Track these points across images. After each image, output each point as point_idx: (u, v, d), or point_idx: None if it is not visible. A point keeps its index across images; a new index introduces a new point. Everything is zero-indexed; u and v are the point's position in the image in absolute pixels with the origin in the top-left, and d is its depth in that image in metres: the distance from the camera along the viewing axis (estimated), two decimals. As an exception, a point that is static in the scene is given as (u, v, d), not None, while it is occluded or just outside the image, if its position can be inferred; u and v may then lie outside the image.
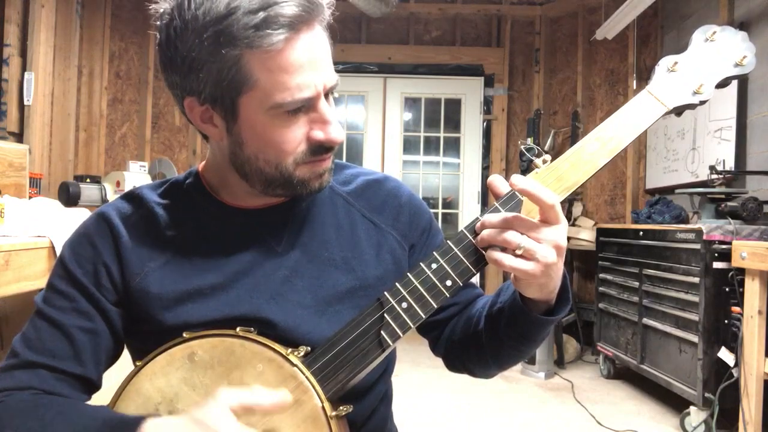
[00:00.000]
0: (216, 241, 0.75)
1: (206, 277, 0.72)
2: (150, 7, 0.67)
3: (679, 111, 0.70)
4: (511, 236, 0.62)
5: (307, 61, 0.64)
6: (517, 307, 0.69)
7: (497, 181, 0.67)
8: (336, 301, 0.75)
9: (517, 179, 0.63)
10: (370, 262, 0.79)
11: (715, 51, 0.70)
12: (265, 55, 0.62)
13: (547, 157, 0.69)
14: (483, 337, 0.75)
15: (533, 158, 0.75)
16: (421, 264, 0.67)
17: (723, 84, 0.70)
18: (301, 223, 0.78)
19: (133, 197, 0.78)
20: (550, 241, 0.62)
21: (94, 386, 0.73)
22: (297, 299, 0.74)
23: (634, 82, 3.86)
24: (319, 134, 0.68)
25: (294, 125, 0.67)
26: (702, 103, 0.69)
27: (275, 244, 0.76)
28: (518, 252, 0.61)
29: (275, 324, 0.71)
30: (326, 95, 0.68)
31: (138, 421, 0.61)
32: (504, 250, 0.63)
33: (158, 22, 0.67)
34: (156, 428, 0.60)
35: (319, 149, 0.69)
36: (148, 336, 0.71)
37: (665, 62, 0.70)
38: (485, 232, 0.64)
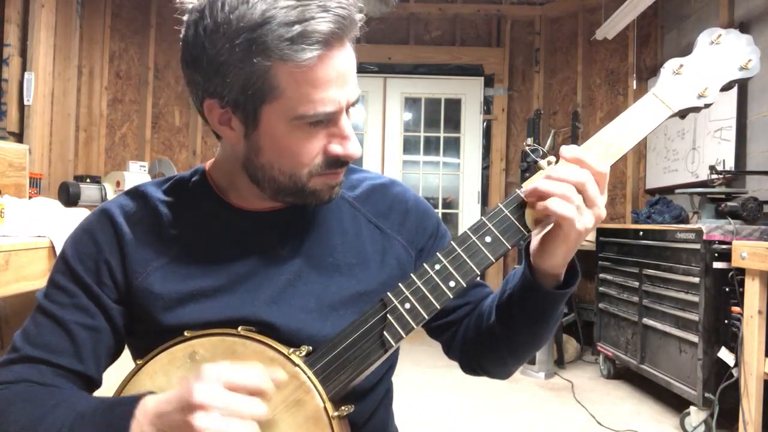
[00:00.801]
0: (220, 242, 0.74)
1: (209, 279, 0.72)
2: (177, 1, 0.66)
3: (683, 114, 0.70)
4: (572, 192, 0.62)
5: (335, 77, 0.64)
6: (528, 283, 0.69)
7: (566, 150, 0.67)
8: (339, 306, 0.75)
9: (567, 149, 0.64)
10: (374, 268, 0.78)
11: (720, 54, 0.70)
12: (296, 69, 0.62)
13: (552, 158, 0.69)
14: (496, 329, 0.75)
15: (538, 159, 0.75)
16: (424, 265, 0.67)
17: (727, 87, 0.70)
18: (307, 227, 0.78)
19: (136, 194, 0.77)
20: (598, 208, 0.64)
21: (94, 384, 0.72)
22: (299, 304, 0.73)
23: (634, 82, 3.86)
24: (337, 148, 0.68)
25: (313, 137, 0.67)
26: (707, 106, 0.69)
27: (279, 247, 0.75)
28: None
29: (277, 327, 0.71)
30: (347, 109, 0.68)
31: (136, 398, 0.61)
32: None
33: (185, 17, 0.66)
34: (155, 399, 0.60)
35: (335, 163, 0.69)
36: (148, 335, 0.71)
37: (671, 65, 0.70)
38: (559, 178, 0.63)
